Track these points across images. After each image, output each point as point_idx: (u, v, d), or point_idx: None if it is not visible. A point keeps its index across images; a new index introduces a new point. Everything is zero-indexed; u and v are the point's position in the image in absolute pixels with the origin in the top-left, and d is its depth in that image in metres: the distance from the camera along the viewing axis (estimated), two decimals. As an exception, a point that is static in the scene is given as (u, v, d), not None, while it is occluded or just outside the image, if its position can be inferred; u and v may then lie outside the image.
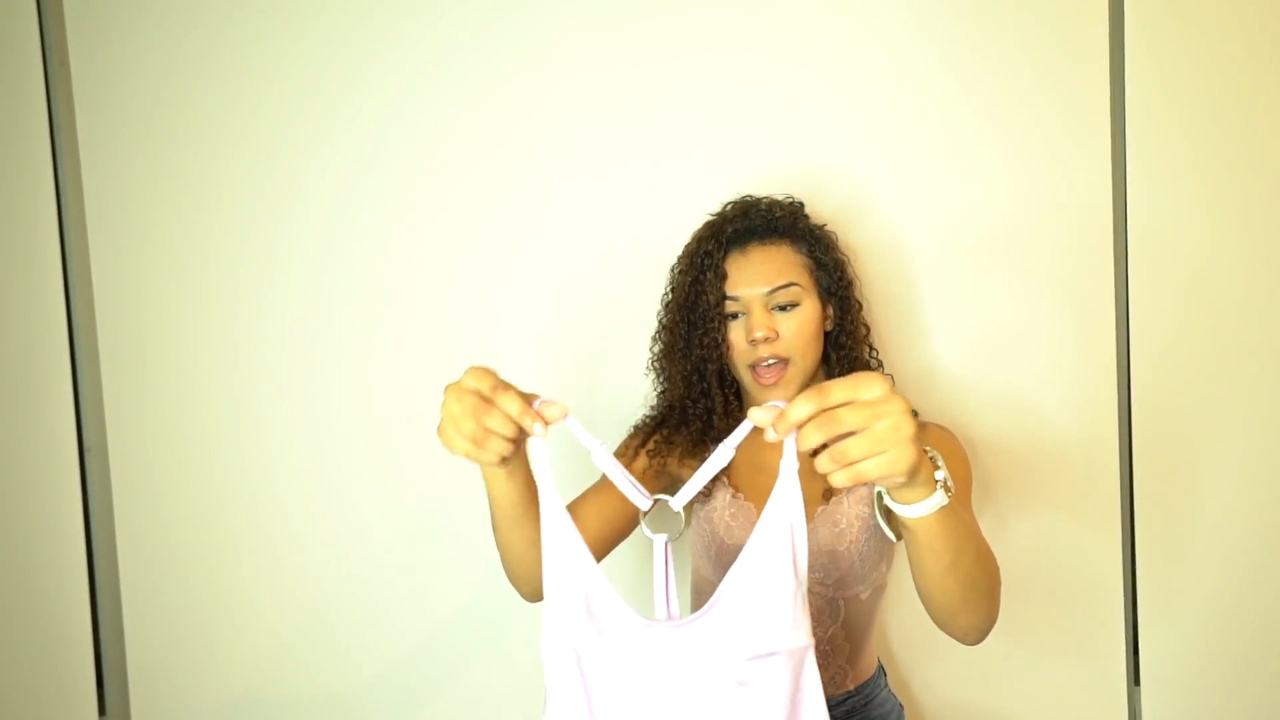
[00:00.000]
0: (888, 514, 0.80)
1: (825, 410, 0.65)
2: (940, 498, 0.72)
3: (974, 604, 0.84)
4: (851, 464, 0.64)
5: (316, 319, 1.44)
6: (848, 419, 0.64)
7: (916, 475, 0.68)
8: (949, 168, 1.33)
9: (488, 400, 0.74)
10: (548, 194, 1.40)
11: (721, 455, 0.76)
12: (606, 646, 0.78)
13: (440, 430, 0.76)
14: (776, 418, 0.68)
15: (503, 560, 0.96)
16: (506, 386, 0.75)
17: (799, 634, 0.75)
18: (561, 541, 0.77)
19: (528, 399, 0.75)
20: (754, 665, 0.76)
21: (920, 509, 0.72)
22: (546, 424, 0.74)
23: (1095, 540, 1.35)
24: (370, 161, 1.42)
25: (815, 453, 0.68)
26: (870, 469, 0.64)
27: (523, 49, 1.39)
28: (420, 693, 1.47)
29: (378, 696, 1.47)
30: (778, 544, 0.74)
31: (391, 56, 1.41)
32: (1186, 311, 1.31)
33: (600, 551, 1.07)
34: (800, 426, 0.66)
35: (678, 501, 0.79)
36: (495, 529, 0.93)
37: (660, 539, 0.80)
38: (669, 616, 0.79)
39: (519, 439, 0.77)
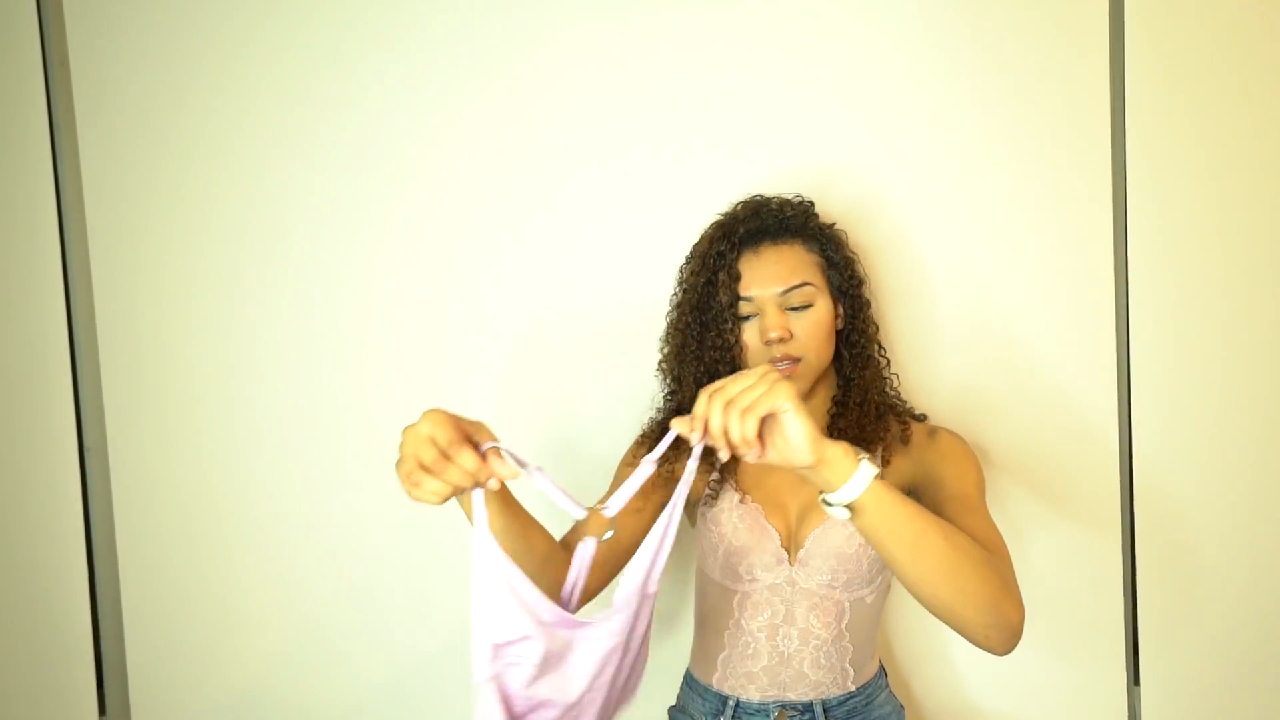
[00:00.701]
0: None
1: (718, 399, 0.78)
2: (868, 467, 0.80)
3: (967, 594, 0.83)
4: (745, 409, 0.76)
5: (317, 320, 1.44)
6: (731, 388, 0.78)
7: (828, 448, 0.79)
8: (953, 166, 1.33)
9: (445, 455, 0.77)
10: (552, 193, 1.40)
11: (644, 470, 0.84)
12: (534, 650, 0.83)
13: (400, 473, 0.78)
14: (692, 422, 0.79)
15: None
16: (463, 441, 0.78)
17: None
18: (493, 568, 0.81)
19: (482, 441, 0.79)
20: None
21: (856, 484, 0.79)
22: (501, 480, 0.79)
23: (1095, 541, 1.35)
24: (371, 162, 1.42)
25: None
26: (760, 403, 0.76)
27: (526, 46, 1.39)
28: (420, 692, 1.47)
29: (378, 696, 1.47)
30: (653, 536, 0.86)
31: (393, 56, 1.41)
32: (1187, 309, 1.31)
33: (614, 568, 1.06)
34: (706, 420, 0.78)
35: (611, 509, 0.84)
36: None
37: (590, 542, 0.86)
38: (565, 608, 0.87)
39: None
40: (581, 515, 0.81)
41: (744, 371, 0.79)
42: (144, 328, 1.46)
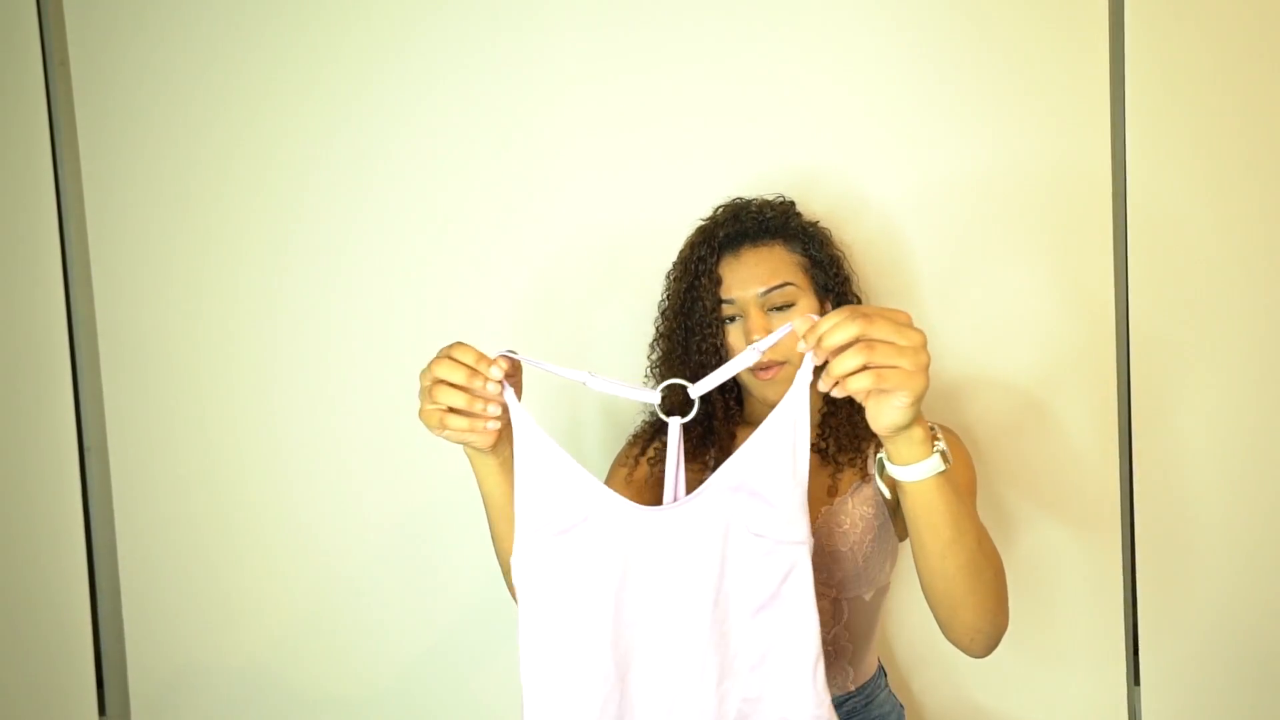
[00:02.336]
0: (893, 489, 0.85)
1: (864, 340, 0.71)
2: (937, 462, 0.78)
3: (977, 599, 0.84)
4: (874, 368, 0.71)
5: (316, 319, 1.44)
6: (878, 330, 0.71)
7: (914, 429, 0.76)
8: (942, 161, 1.33)
9: (473, 369, 0.80)
10: (540, 199, 1.40)
11: (747, 356, 0.81)
12: (593, 537, 0.82)
13: (431, 419, 0.83)
14: (810, 330, 0.74)
15: (503, 569, 0.96)
16: (481, 355, 0.81)
17: (793, 529, 0.81)
18: (538, 452, 0.81)
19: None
20: (739, 545, 0.81)
21: (918, 470, 0.78)
22: (501, 372, 0.80)
23: (1095, 541, 1.35)
24: (367, 163, 1.42)
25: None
26: (889, 379, 0.71)
27: (513, 51, 1.39)
28: (419, 692, 1.47)
29: (377, 696, 1.47)
30: (778, 439, 0.80)
31: (389, 58, 1.41)
32: (1187, 309, 1.31)
33: None
34: (833, 350, 0.72)
35: (697, 389, 0.82)
36: (492, 530, 0.93)
37: (675, 421, 0.83)
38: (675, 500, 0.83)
39: (492, 402, 0.82)
40: (655, 399, 0.81)
41: (898, 318, 0.72)
42: (144, 328, 1.46)
